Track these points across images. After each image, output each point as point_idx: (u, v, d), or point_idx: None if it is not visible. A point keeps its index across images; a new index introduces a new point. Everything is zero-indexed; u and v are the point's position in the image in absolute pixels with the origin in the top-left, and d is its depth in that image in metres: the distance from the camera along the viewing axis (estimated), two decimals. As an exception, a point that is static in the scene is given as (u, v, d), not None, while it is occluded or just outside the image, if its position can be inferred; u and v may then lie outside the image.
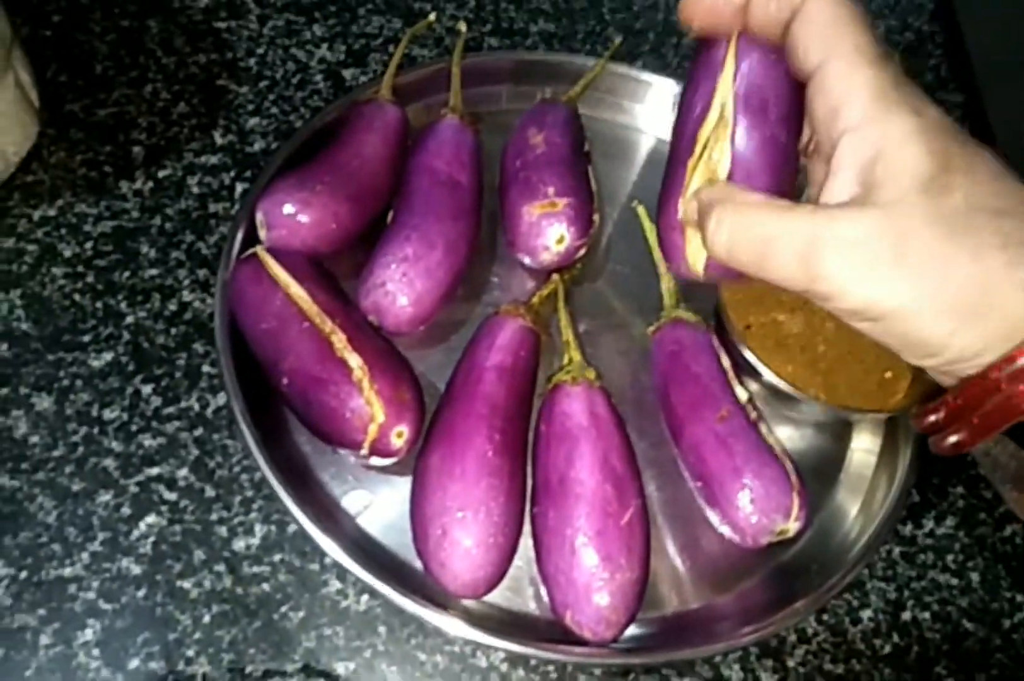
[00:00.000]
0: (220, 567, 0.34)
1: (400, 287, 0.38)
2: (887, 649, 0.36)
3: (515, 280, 0.44)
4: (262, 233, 0.39)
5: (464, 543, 0.31)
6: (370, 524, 0.36)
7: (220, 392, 0.38)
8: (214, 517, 0.35)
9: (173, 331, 0.40)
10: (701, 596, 0.36)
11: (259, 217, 0.39)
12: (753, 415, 0.37)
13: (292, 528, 0.35)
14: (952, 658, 0.36)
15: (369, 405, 0.33)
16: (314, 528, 0.33)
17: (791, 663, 0.35)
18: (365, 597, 0.34)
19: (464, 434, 0.34)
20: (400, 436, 0.34)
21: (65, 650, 0.31)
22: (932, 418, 0.25)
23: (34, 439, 0.36)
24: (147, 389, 0.38)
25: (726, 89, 0.26)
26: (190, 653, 0.32)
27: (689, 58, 0.57)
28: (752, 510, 0.34)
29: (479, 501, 0.32)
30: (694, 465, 0.36)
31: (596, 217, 0.43)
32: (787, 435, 0.41)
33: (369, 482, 0.36)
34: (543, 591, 0.33)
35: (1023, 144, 0.50)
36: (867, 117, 0.23)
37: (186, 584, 0.33)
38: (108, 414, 0.37)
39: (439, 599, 0.32)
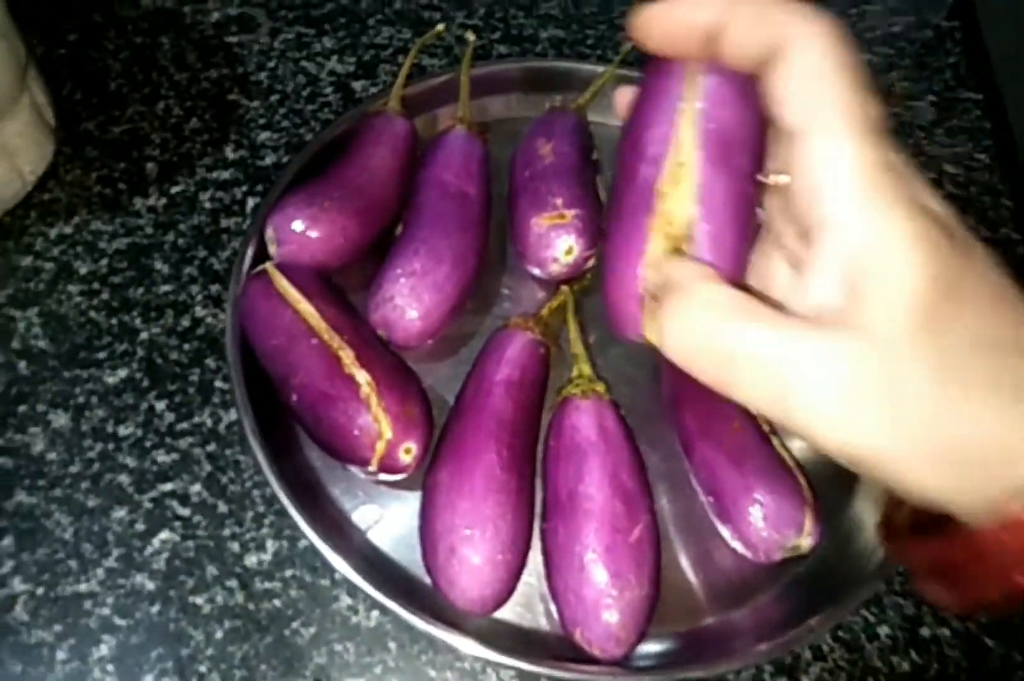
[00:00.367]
0: (232, 583, 0.34)
1: (408, 301, 0.38)
2: (905, 666, 0.35)
3: (526, 291, 0.44)
4: (272, 249, 0.39)
5: (472, 560, 0.31)
6: (380, 539, 0.36)
7: (232, 407, 0.38)
8: (226, 533, 0.35)
9: (186, 347, 0.40)
10: (714, 612, 0.36)
11: (269, 233, 0.39)
12: (766, 427, 0.37)
13: (303, 543, 0.35)
14: (972, 676, 0.36)
15: (377, 422, 0.33)
16: (324, 544, 0.33)
17: None
18: (376, 613, 0.34)
19: (472, 450, 0.34)
20: (408, 452, 0.34)
21: (80, 666, 0.32)
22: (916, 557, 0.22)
23: (51, 456, 0.36)
24: (161, 405, 0.38)
25: (686, 129, 0.22)
26: (202, 669, 0.32)
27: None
28: (764, 526, 0.34)
29: (487, 518, 0.32)
30: (705, 480, 0.36)
31: (605, 227, 0.43)
32: (802, 445, 0.40)
33: (379, 497, 0.37)
34: (553, 608, 0.33)
35: (1044, 144, 0.49)
36: (856, 212, 0.19)
37: (199, 600, 0.33)
38: (123, 430, 0.37)
39: (449, 615, 0.32)
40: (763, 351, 0.19)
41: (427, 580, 0.34)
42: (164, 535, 0.35)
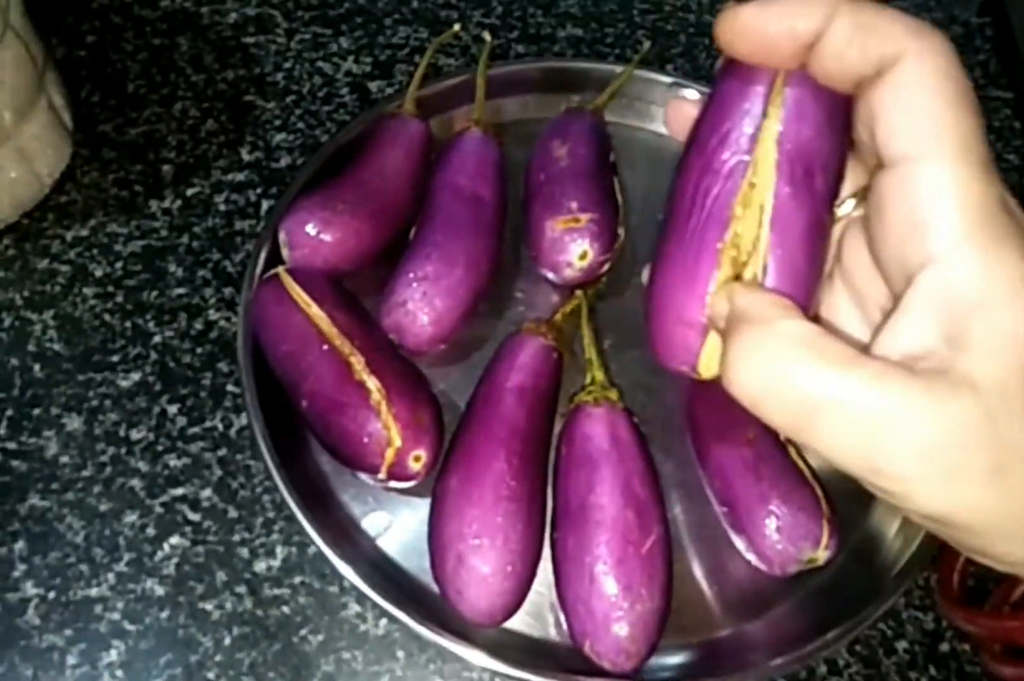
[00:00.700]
0: (241, 589, 0.34)
1: (421, 306, 0.38)
2: (924, 683, 0.35)
3: (540, 295, 0.44)
4: (285, 252, 0.39)
5: (481, 570, 0.31)
6: (390, 546, 0.36)
7: (244, 412, 0.38)
8: (236, 538, 0.35)
9: (199, 351, 0.40)
10: (728, 623, 0.35)
11: (282, 237, 0.39)
12: (783, 437, 0.36)
13: (312, 550, 0.35)
14: (994, 694, 0.35)
15: (386, 429, 0.33)
16: (332, 552, 0.33)
17: (821, 696, 0.34)
18: (384, 621, 0.34)
19: (482, 458, 0.33)
20: (418, 460, 0.33)
21: (90, 671, 0.32)
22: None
23: (64, 459, 0.36)
24: (173, 409, 0.38)
25: (766, 147, 0.20)
26: (211, 675, 0.32)
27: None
28: (779, 538, 0.33)
29: (497, 528, 0.32)
30: (720, 489, 0.35)
31: (621, 231, 0.43)
32: (820, 456, 0.39)
33: (389, 503, 0.36)
34: (563, 618, 0.33)
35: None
36: (964, 251, 0.17)
37: (208, 606, 0.33)
38: (135, 434, 0.37)
39: (458, 625, 0.32)
40: (854, 399, 0.17)
41: (435, 589, 0.33)
42: (174, 540, 0.35)
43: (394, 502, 0.36)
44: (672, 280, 0.21)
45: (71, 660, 0.32)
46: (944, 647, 0.36)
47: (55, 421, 0.37)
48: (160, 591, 0.34)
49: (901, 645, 0.35)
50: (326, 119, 0.50)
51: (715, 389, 0.36)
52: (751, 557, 0.34)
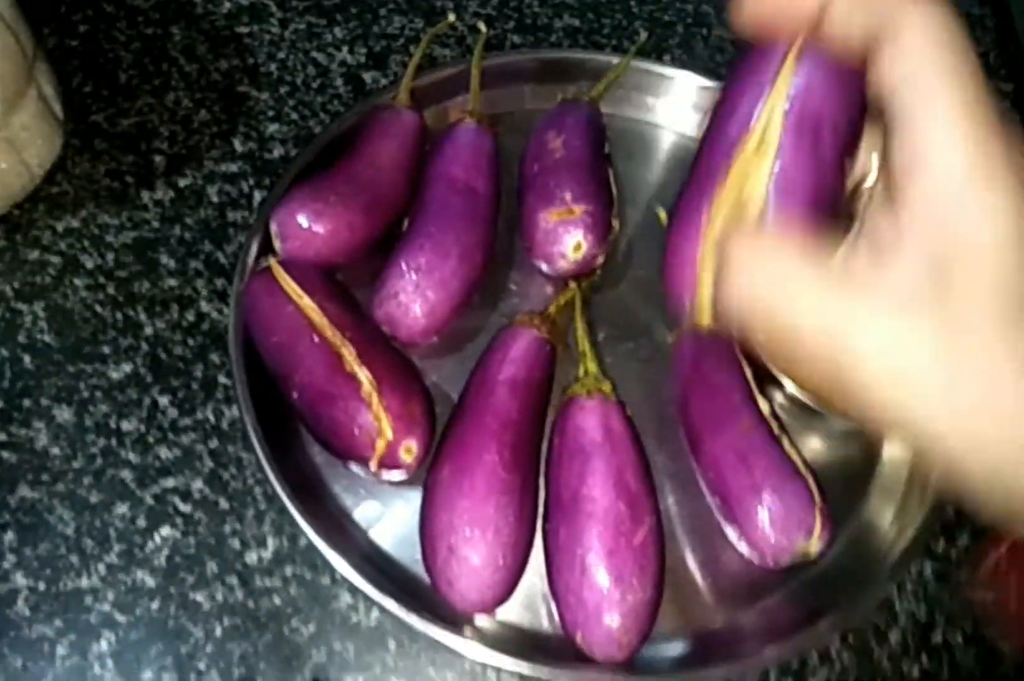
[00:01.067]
0: (232, 580, 0.34)
1: (413, 298, 0.38)
2: (915, 673, 0.35)
3: (534, 287, 0.43)
4: (276, 244, 0.39)
5: (472, 561, 0.31)
6: (381, 537, 0.35)
7: (235, 404, 0.38)
8: (227, 529, 0.35)
9: (191, 342, 0.40)
10: (720, 614, 0.35)
11: (273, 228, 0.38)
12: (776, 428, 0.36)
13: (304, 541, 0.35)
14: (985, 684, 0.35)
15: (377, 421, 0.33)
16: (323, 543, 0.33)
17: (812, 685, 0.34)
18: (376, 612, 0.34)
19: (474, 450, 0.33)
20: (409, 452, 0.33)
21: (80, 661, 0.32)
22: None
23: (54, 451, 0.36)
24: (164, 400, 0.38)
25: (774, 107, 0.21)
26: (201, 666, 0.32)
27: (720, 51, 0.55)
28: (771, 529, 0.33)
29: (488, 519, 0.32)
30: (712, 480, 0.35)
31: (616, 222, 0.42)
32: (813, 446, 0.39)
33: (381, 494, 0.36)
34: (555, 609, 0.33)
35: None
36: (961, 185, 0.18)
37: (199, 596, 0.33)
38: (126, 425, 0.37)
39: (450, 615, 0.32)
40: (831, 318, 0.18)
41: (427, 579, 0.33)
42: (165, 531, 0.35)
43: (386, 493, 0.36)
44: (678, 224, 0.23)
45: (61, 651, 0.32)
46: (937, 637, 0.36)
47: (45, 412, 0.37)
48: (151, 582, 0.34)
49: (893, 635, 0.35)
50: (320, 110, 0.50)
51: (708, 379, 0.36)
52: (744, 549, 0.34)
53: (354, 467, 0.35)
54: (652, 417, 0.38)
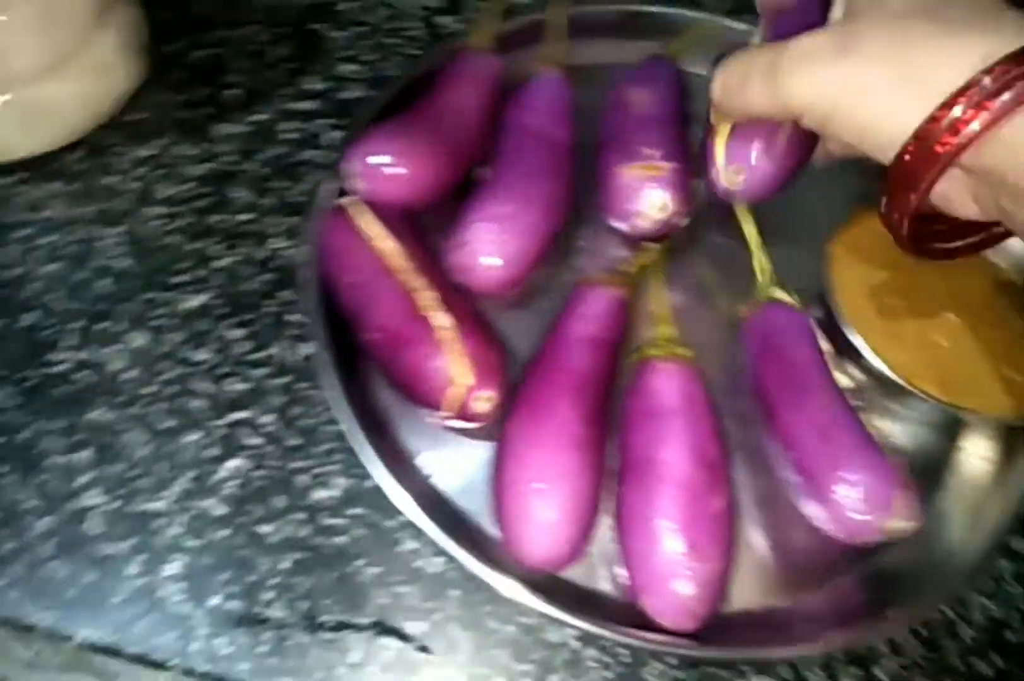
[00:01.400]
0: (299, 516, 0.34)
1: (490, 247, 0.37)
2: (985, 669, 0.34)
3: (603, 246, 0.42)
4: (354, 183, 0.38)
5: (544, 516, 0.31)
6: (447, 485, 0.35)
7: (306, 341, 0.38)
8: (295, 465, 0.35)
9: (263, 277, 0.40)
10: (787, 593, 0.35)
11: (351, 167, 0.38)
12: (855, 405, 0.35)
13: (370, 483, 0.35)
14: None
15: (455, 367, 0.33)
16: (391, 486, 0.33)
17: (879, 673, 0.34)
18: (439, 559, 0.34)
19: (550, 404, 0.33)
20: (485, 400, 0.33)
21: (151, 582, 0.32)
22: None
23: (129, 375, 0.36)
24: (236, 333, 0.38)
25: None
26: (268, 597, 0.32)
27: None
28: (857, 504, 0.31)
29: (562, 473, 0.31)
30: (791, 455, 0.34)
31: (700, 184, 0.41)
32: (891, 432, 0.38)
33: (449, 442, 0.36)
34: (620, 572, 0.32)
35: None
36: None
37: (266, 529, 0.34)
38: (198, 355, 0.37)
39: (513, 568, 0.32)
40: (761, 58, 0.28)
41: (491, 531, 0.34)
42: (235, 462, 0.35)
43: (454, 442, 0.36)
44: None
45: (132, 569, 0.32)
46: (1011, 636, 0.35)
47: (121, 336, 0.37)
48: (220, 510, 0.34)
49: (966, 631, 0.35)
50: (395, 52, 0.48)
51: (783, 353, 0.36)
52: (825, 525, 0.33)
53: (426, 413, 0.35)
54: (722, 388, 0.38)
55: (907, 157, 0.26)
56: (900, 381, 0.34)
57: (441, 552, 0.33)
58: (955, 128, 0.24)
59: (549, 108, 0.42)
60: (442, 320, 0.34)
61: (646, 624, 0.31)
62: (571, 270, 0.41)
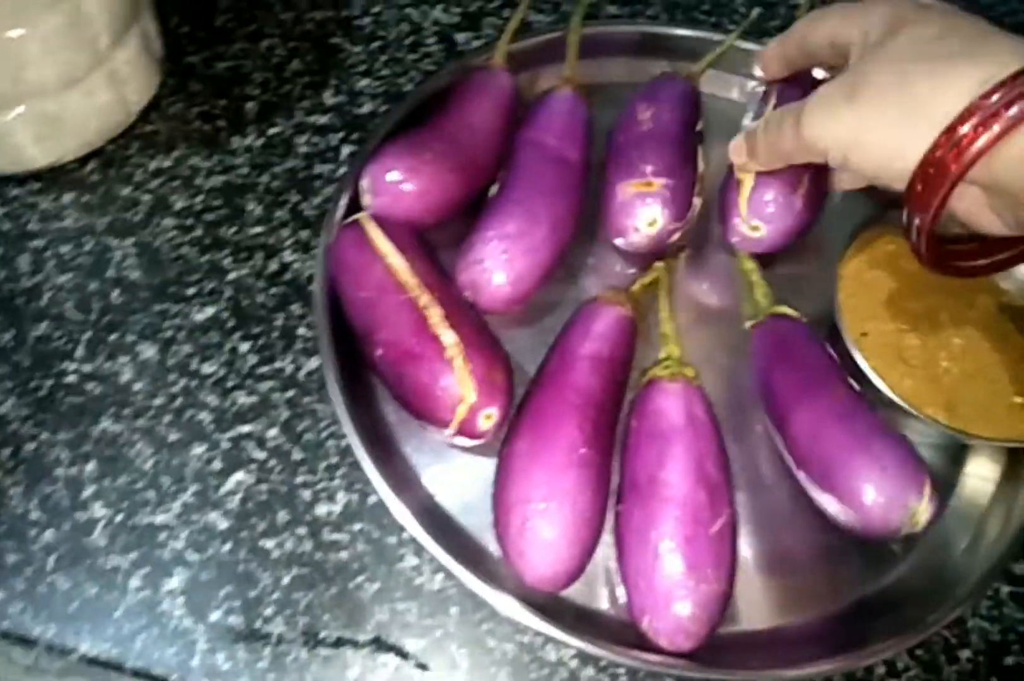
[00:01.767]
0: (302, 530, 0.34)
1: (499, 265, 0.37)
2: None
3: (612, 264, 0.43)
4: (366, 199, 0.38)
5: (546, 535, 0.31)
6: (449, 502, 0.35)
7: (313, 355, 0.38)
8: (299, 480, 0.35)
9: (273, 290, 0.40)
10: (785, 615, 0.35)
11: (365, 183, 0.38)
12: (865, 394, 0.34)
13: (373, 499, 0.35)
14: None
15: (461, 384, 0.33)
16: (394, 503, 0.33)
17: (876, 695, 0.34)
18: (440, 576, 0.34)
19: (554, 422, 0.33)
20: (489, 418, 0.33)
21: (152, 595, 0.32)
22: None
23: (137, 386, 0.37)
24: (244, 346, 0.38)
25: None
26: (268, 612, 0.32)
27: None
28: (881, 492, 0.31)
29: (565, 492, 0.31)
30: (808, 453, 0.33)
31: (697, 200, 0.41)
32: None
33: (452, 460, 0.36)
34: (619, 591, 0.32)
35: None
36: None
37: (269, 544, 0.34)
38: (207, 368, 0.38)
39: (513, 587, 0.32)
40: (791, 112, 0.32)
41: (493, 549, 0.34)
42: (240, 476, 0.35)
43: (457, 459, 0.36)
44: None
45: (134, 583, 0.33)
46: (1010, 660, 0.35)
47: (130, 348, 0.38)
48: (223, 524, 0.34)
49: (964, 654, 0.35)
50: (411, 67, 0.49)
51: (793, 356, 0.35)
52: (847, 516, 0.32)
53: (429, 430, 0.35)
54: (727, 407, 0.38)
55: (919, 185, 0.27)
56: (905, 405, 0.33)
57: (442, 569, 0.33)
58: (960, 148, 0.25)
59: (562, 126, 0.42)
60: (449, 337, 0.34)
61: (644, 644, 0.31)
62: (579, 288, 0.41)
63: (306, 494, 0.35)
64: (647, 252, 0.40)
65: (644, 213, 0.39)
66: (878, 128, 0.28)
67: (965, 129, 0.25)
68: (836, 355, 0.36)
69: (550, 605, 0.32)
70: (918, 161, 0.27)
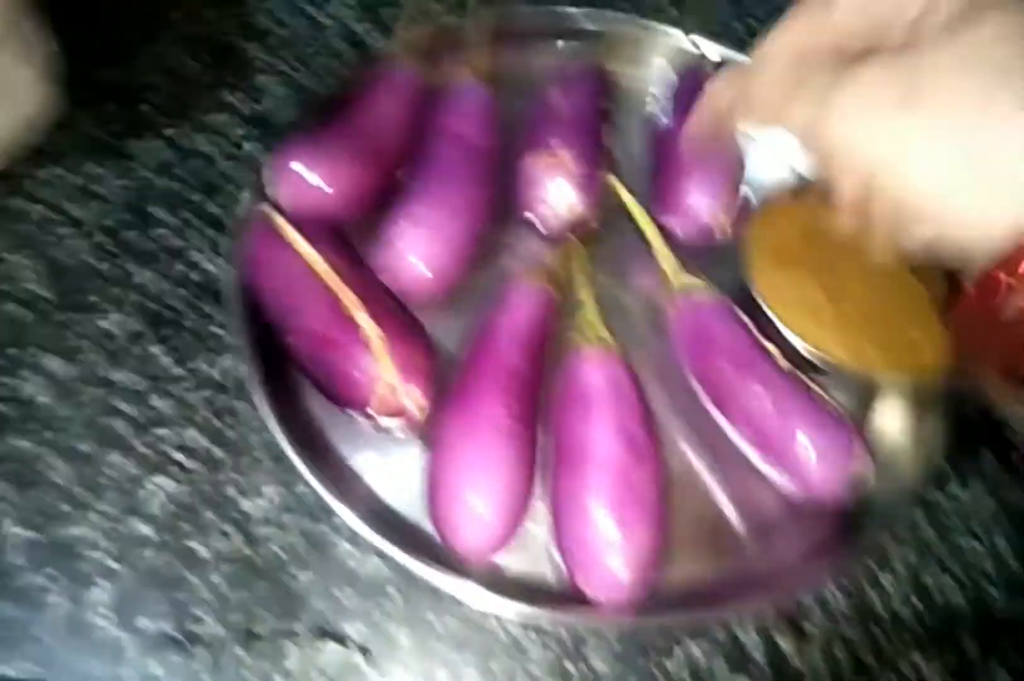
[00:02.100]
0: (229, 528, 0.33)
1: (415, 249, 0.37)
2: (907, 614, 0.35)
3: (530, 247, 0.43)
4: (274, 193, 0.38)
5: (476, 507, 0.31)
6: (380, 487, 0.35)
7: (229, 354, 0.37)
8: (223, 478, 0.34)
9: (182, 293, 0.39)
10: (716, 561, 0.35)
11: (271, 177, 0.38)
12: (796, 373, 0.36)
13: (301, 490, 0.34)
14: (976, 623, 0.35)
15: (379, 364, 0.32)
16: (325, 490, 0.32)
17: (808, 628, 0.34)
18: (375, 559, 0.33)
19: (479, 399, 0.33)
20: (410, 396, 0.33)
21: (75, 609, 0.31)
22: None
23: (44, 400, 0.35)
24: (156, 350, 0.37)
25: None
26: (199, 612, 0.31)
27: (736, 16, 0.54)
28: (820, 460, 0.33)
29: (493, 466, 0.31)
30: (745, 430, 0.35)
31: (608, 176, 0.42)
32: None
33: (380, 446, 0.36)
34: (556, 557, 0.32)
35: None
36: None
37: (196, 545, 0.33)
38: (117, 375, 0.36)
39: (450, 563, 0.31)
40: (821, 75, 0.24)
41: (425, 528, 0.33)
42: (160, 480, 0.34)
43: (384, 445, 0.36)
44: None
45: (53, 599, 0.31)
46: (928, 580, 0.36)
47: (34, 362, 0.36)
48: (146, 530, 0.33)
49: (886, 578, 0.36)
50: (311, 63, 0.49)
51: (715, 337, 0.36)
52: (791, 487, 0.34)
53: (354, 414, 0.34)
54: (656, 372, 0.38)
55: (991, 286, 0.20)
56: (818, 353, 0.35)
57: (376, 552, 0.33)
58: None
59: (468, 113, 0.43)
60: (364, 320, 0.33)
61: (583, 603, 0.31)
62: (500, 272, 0.41)
63: (231, 492, 0.34)
64: (560, 228, 0.41)
65: (552, 186, 0.40)
66: (932, 161, 0.20)
67: None
68: (749, 318, 0.37)
69: (487, 576, 0.32)
70: (995, 239, 0.19)
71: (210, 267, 0.40)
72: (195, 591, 0.32)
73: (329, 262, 0.35)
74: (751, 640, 0.34)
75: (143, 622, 0.31)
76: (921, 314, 0.37)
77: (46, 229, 0.40)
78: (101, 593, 0.31)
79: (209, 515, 0.33)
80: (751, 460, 0.36)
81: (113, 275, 0.39)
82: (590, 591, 0.31)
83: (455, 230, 0.38)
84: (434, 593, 0.32)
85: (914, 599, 0.35)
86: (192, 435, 0.35)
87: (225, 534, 0.33)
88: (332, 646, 0.31)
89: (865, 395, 0.40)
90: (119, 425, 0.35)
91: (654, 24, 0.49)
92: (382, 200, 0.39)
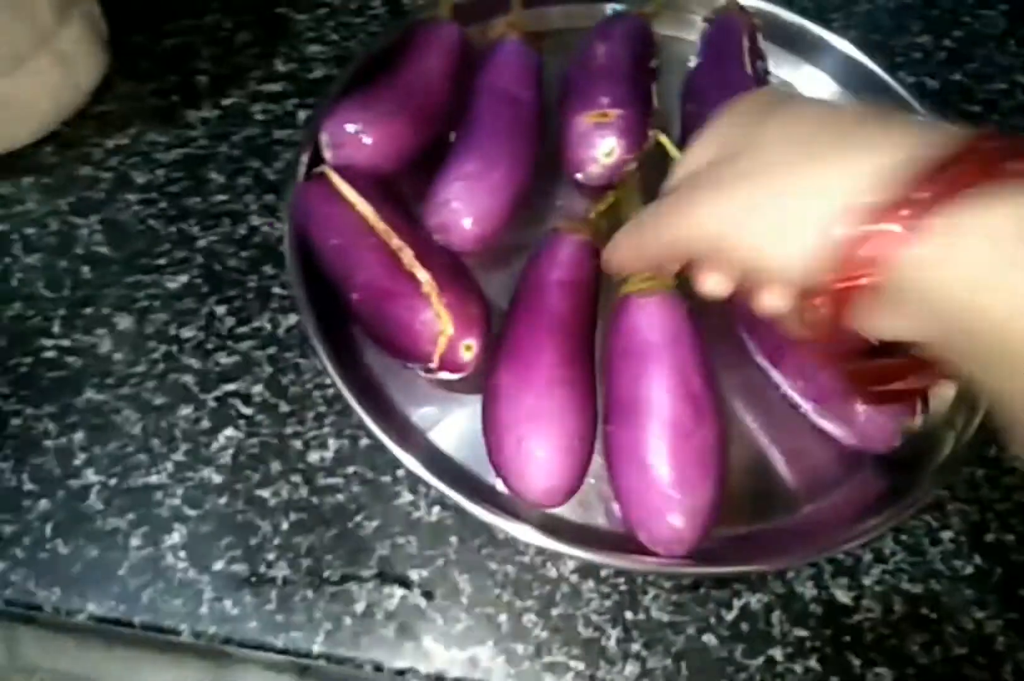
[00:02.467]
0: (296, 478, 0.34)
1: (465, 205, 0.38)
2: (968, 570, 0.35)
3: (579, 203, 0.43)
4: (327, 154, 0.38)
5: (540, 452, 0.31)
6: (440, 440, 0.36)
7: (290, 312, 0.38)
8: (289, 431, 0.35)
9: (243, 254, 0.40)
10: (773, 513, 0.35)
11: (324, 138, 0.38)
12: None
13: (364, 442, 0.35)
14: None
15: (439, 317, 0.33)
16: (388, 440, 0.33)
17: (867, 582, 0.34)
18: (436, 508, 0.34)
19: (531, 346, 0.33)
20: (469, 349, 0.33)
21: (154, 552, 0.32)
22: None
23: (117, 356, 0.37)
24: (221, 309, 0.38)
25: None
26: (271, 557, 0.33)
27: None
28: (878, 414, 0.33)
29: (552, 411, 0.32)
30: (801, 383, 0.35)
31: (652, 133, 0.42)
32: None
33: (438, 398, 0.36)
34: (614, 507, 0.33)
35: None
36: None
37: (264, 493, 0.34)
38: (185, 333, 0.38)
39: (511, 509, 0.32)
40: None
41: (488, 478, 0.34)
42: (229, 432, 0.35)
43: (442, 397, 0.36)
44: None
45: (135, 542, 0.33)
46: (990, 537, 0.35)
47: (107, 320, 0.38)
48: (217, 479, 0.34)
49: (946, 535, 0.35)
50: (359, 30, 0.49)
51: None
52: (849, 440, 0.35)
53: (413, 367, 0.35)
54: (704, 322, 0.38)
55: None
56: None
57: (438, 501, 0.34)
58: (860, 265, 0.22)
59: (514, 70, 0.43)
60: (423, 275, 0.34)
61: (643, 553, 0.31)
62: (546, 228, 0.41)
63: (297, 443, 0.35)
64: (606, 184, 0.41)
65: (602, 144, 0.40)
66: (769, 207, 0.24)
67: (854, 240, 0.22)
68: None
69: (547, 524, 0.32)
70: (806, 268, 0.23)
71: (270, 231, 0.41)
72: (265, 537, 0.33)
73: (385, 217, 0.36)
74: (809, 593, 0.34)
75: (218, 565, 0.32)
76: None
77: (114, 195, 0.41)
78: (178, 537, 0.33)
79: (276, 466, 0.35)
80: (805, 413, 0.36)
81: (177, 239, 0.40)
82: (651, 545, 0.31)
83: (507, 188, 0.39)
84: (495, 541, 0.33)
85: (976, 556, 0.35)
86: (258, 390, 0.36)
87: (293, 484, 0.34)
88: (397, 590, 0.32)
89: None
90: (189, 380, 0.36)
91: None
92: (431, 157, 0.40)
